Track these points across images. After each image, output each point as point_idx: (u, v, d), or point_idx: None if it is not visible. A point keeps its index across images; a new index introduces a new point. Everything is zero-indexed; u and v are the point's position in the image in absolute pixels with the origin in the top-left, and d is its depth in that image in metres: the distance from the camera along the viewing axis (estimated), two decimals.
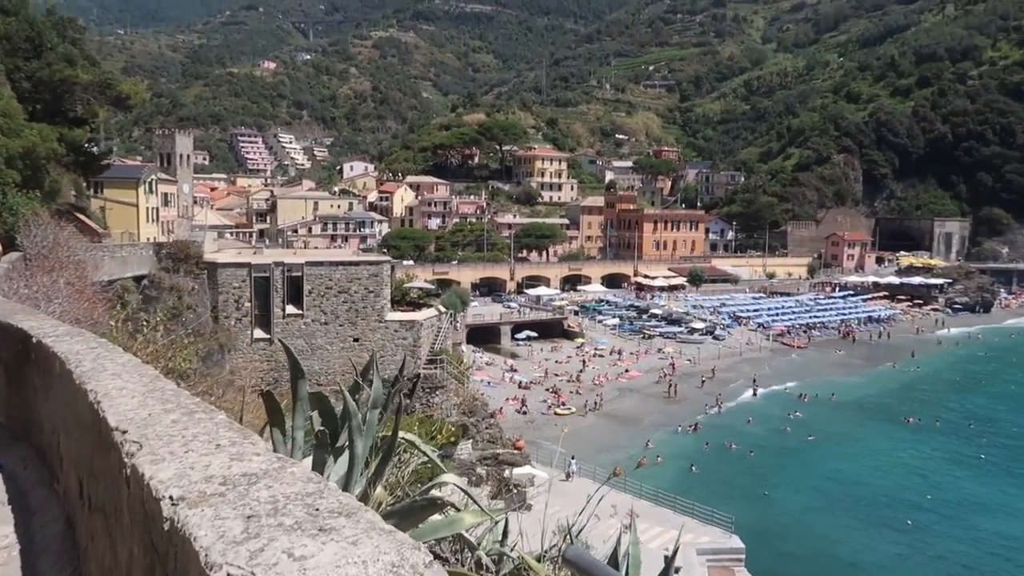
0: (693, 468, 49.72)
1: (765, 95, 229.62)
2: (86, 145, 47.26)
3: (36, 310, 7.68)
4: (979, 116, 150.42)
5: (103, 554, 2.64)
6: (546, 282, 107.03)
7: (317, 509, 1.62)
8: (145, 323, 6.15)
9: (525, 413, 59.64)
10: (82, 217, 46.62)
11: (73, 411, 3.30)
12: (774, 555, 36.66)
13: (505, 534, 3.05)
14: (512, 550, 2.98)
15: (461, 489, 2.68)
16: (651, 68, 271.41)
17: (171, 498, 1.74)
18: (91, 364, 3.42)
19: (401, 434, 2.78)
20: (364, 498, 2.58)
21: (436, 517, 2.50)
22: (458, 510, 2.72)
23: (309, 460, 2.86)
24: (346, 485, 2.59)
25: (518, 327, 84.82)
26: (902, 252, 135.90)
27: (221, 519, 1.58)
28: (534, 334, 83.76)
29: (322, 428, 2.55)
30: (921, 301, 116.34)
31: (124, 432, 2.35)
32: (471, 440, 41.85)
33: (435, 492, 2.75)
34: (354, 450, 2.52)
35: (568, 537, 2.91)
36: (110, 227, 53.57)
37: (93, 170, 49.38)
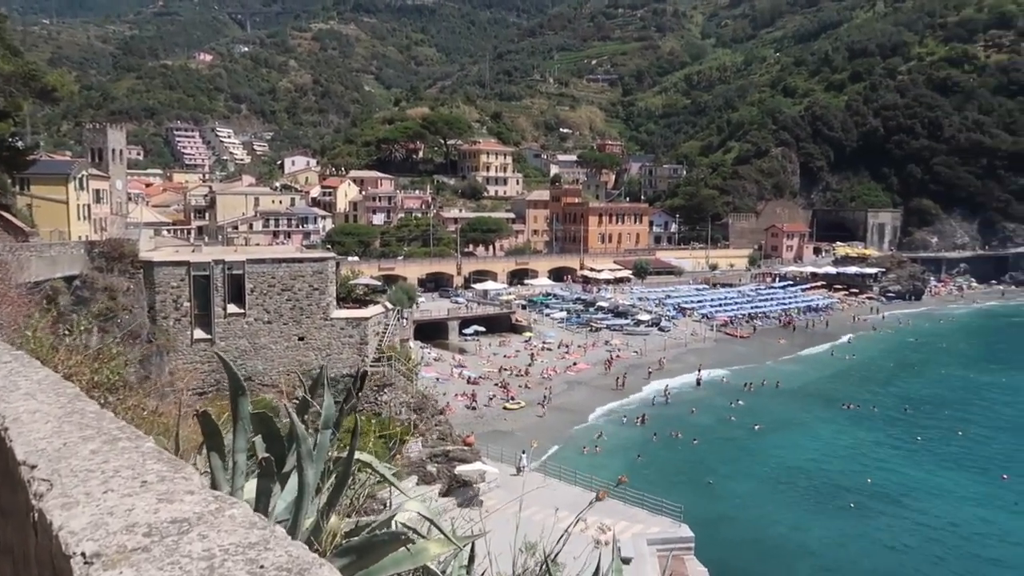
0: (639, 458, 50.29)
1: (705, 89, 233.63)
2: (10, 139, 45.05)
3: None
4: (908, 110, 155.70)
5: None
6: (493, 276, 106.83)
7: (262, 566, 1.38)
8: (68, 331, 5.63)
9: (474, 408, 59.44)
10: (6, 215, 44.51)
11: None
12: (722, 542, 37.28)
13: (471, 559, 2.82)
14: None
15: (426, 518, 2.43)
16: (594, 62, 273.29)
17: (84, 555, 1.44)
18: (0, 382, 3.04)
19: (356, 455, 2.51)
20: (317, 530, 2.31)
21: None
22: (421, 536, 2.47)
23: (253, 484, 2.57)
24: (296, 515, 2.32)
25: (466, 322, 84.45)
26: (838, 243, 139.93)
27: None
28: (482, 329, 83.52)
29: (267, 455, 2.28)
30: (857, 290, 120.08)
31: (33, 467, 2.01)
32: (421, 437, 41.45)
33: (398, 517, 2.50)
34: (304, 478, 2.24)
35: (546, 566, 2.70)
36: (38, 225, 51.22)
37: (18, 166, 47.12)
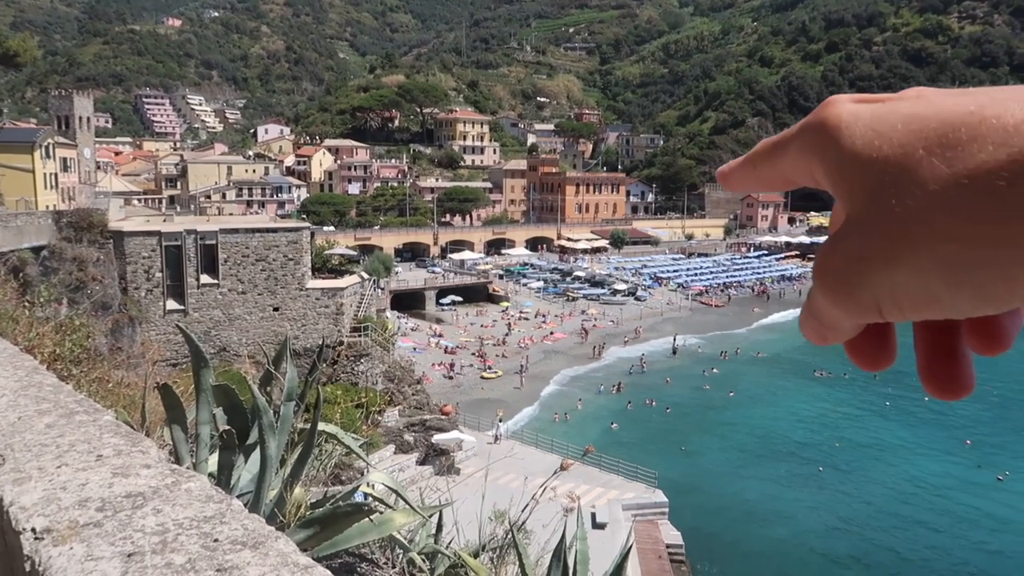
0: (614, 425, 50.87)
1: (682, 59, 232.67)
2: None
3: None
4: (883, 81, 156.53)
5: None
6: (470, 246, 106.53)
7: (216, 540, 1.35)
8: (27, 304, 5.49)
9: (451, 378, 59.63)
10: None
11: None
12: (696, 507, 37.99)
13: (439, 528, 2.83)
14: (447, 546, 2.78)
15: (390, 488, 2.43)
16: (571, 30, 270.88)
17: (34, 531, 1.42)
18: None
19: (320, 426, 2.50)
20: (281, 501, 2.30)
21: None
22: (389, 506, 2.47)
23: (215, 457, 2.55)
24: (259, 487, 2.30)
25: (443, 292, 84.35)
26: (812, 212, 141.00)
27: (94, 560, 1.29)
28: (459, 299, 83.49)
29: (228, 427, 2.26)
30: None
31: None
32: (398, 407, 41.58)
33: (364, 488, 2.50)
34: (266, 451, 2.22)
35: (511, 533, 2.72)
36: (3, 195, 50.20)
37: None
